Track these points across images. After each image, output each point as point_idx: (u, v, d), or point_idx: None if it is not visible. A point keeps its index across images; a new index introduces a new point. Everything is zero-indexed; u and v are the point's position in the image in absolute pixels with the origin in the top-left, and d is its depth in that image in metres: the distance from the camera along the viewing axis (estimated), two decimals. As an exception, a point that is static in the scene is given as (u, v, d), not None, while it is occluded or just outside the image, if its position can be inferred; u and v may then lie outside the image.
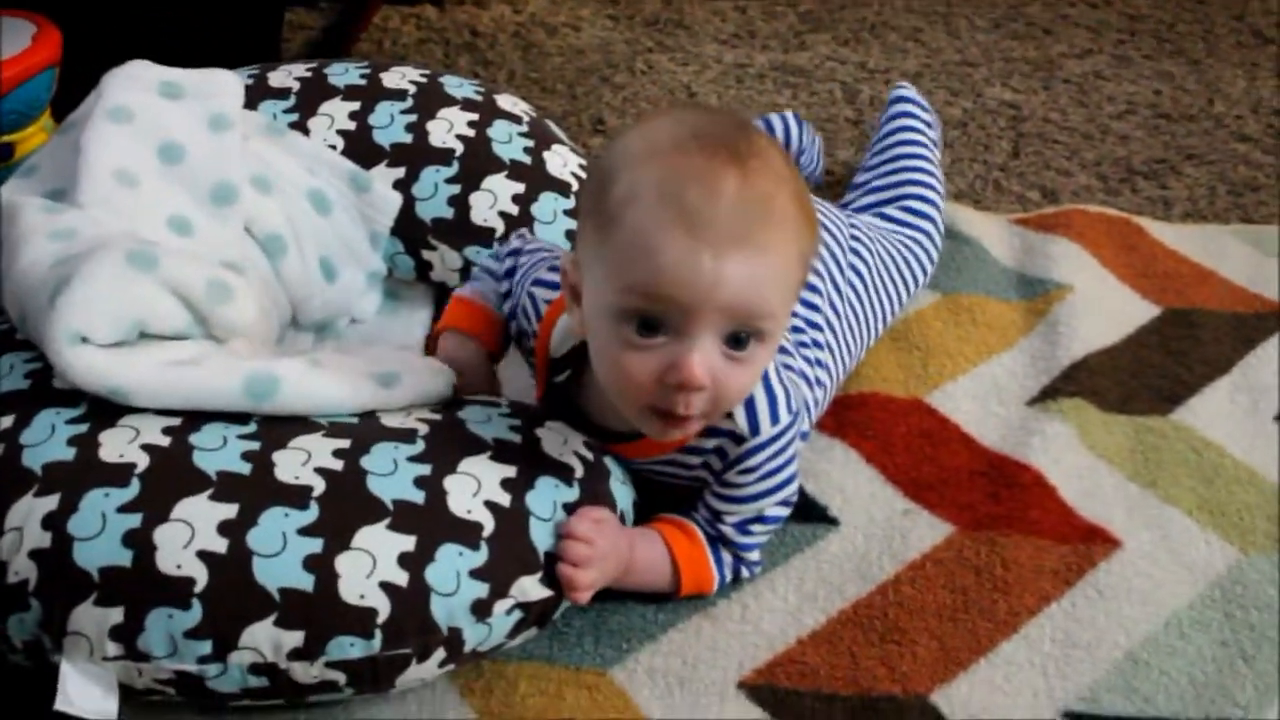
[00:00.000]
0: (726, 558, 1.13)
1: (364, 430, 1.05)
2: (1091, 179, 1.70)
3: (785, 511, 1.13)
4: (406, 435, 1.05)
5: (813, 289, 1.24)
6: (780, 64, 1.91)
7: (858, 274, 1.31)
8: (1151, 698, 1.07)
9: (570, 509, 1.05)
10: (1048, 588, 1.15)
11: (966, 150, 1.74)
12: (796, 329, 1.22)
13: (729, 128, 0.98)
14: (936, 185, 1.47)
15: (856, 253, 1.32)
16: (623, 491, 1.11)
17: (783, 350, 1.17)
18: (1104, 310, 1.45)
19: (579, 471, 1.08)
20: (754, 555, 1.14)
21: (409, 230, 1.34)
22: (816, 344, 1.23)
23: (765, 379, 1.07)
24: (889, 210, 1.43)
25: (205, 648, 0.94)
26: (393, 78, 1.42)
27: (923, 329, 1.41)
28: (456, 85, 1.43)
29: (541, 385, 1.15)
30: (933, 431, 1.30)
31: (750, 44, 1.97)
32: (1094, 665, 1.09)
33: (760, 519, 1.12)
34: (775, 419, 1.07)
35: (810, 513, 1.21)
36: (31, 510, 0.96)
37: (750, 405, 1.06)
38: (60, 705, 0.95)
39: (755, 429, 1.07)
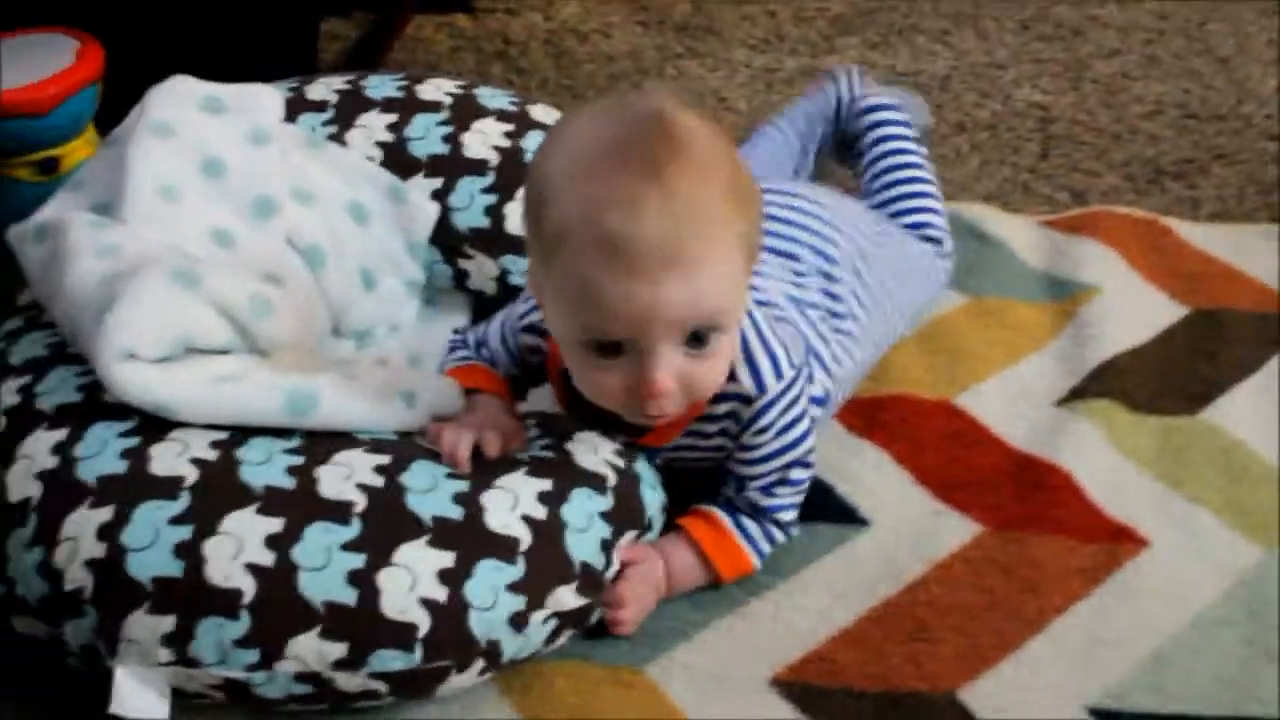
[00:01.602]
0: (755, 531, 1.16)
1: (403, 447, 1.09)
2: (1120, 180, 1.72)
3: (806, 474, 1.16)
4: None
5: (833, 278, 1.28)
6: (810, 68, 1.93)
7: (883, 265, 1.34)
8: (1177, 695, 1.09)
9: (605, 517, 1.08)
10: (1075, 587, 1.17)
11: (995, 153, 1.76)
12: (833, 313, 1.27)
13: (645, 129, 0.99)
14: (937, 206, 1.47)
15: (881, 245, 1.35)
16: (652, 496, 1.14)
17: (811, 323, 1.23)
18: (1132, 311, 1.46)
19: (611, 480, 1.11)
20: (787, 515, 1.17)
21: (446, 239, 1.36)
22: (839, 331, 1.27)
23: (763, 340, 1.11)
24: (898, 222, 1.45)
25: (253, 656, 0.98)
26: (429, 90, 1.45)
27: (951, 331, 1.43)
28: (491, 96, 1.46)
29: (561, 396, 1.19)
30: (962, 433, 1.32)
31: (780, 48, 1.99)
32: (1120, 663, 1.11)
33: (785, 481, 1.15)
34: (779, 375, 1.11)
35: (841, 514, 1.24)
36: (86, 521, 1.00)
37: (753, 365, 1.11)
38: (114, 709, 0.98)
39: (762, 387, 1.11)
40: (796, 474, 1.15)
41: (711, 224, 0.98)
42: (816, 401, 1.19)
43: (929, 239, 1.44)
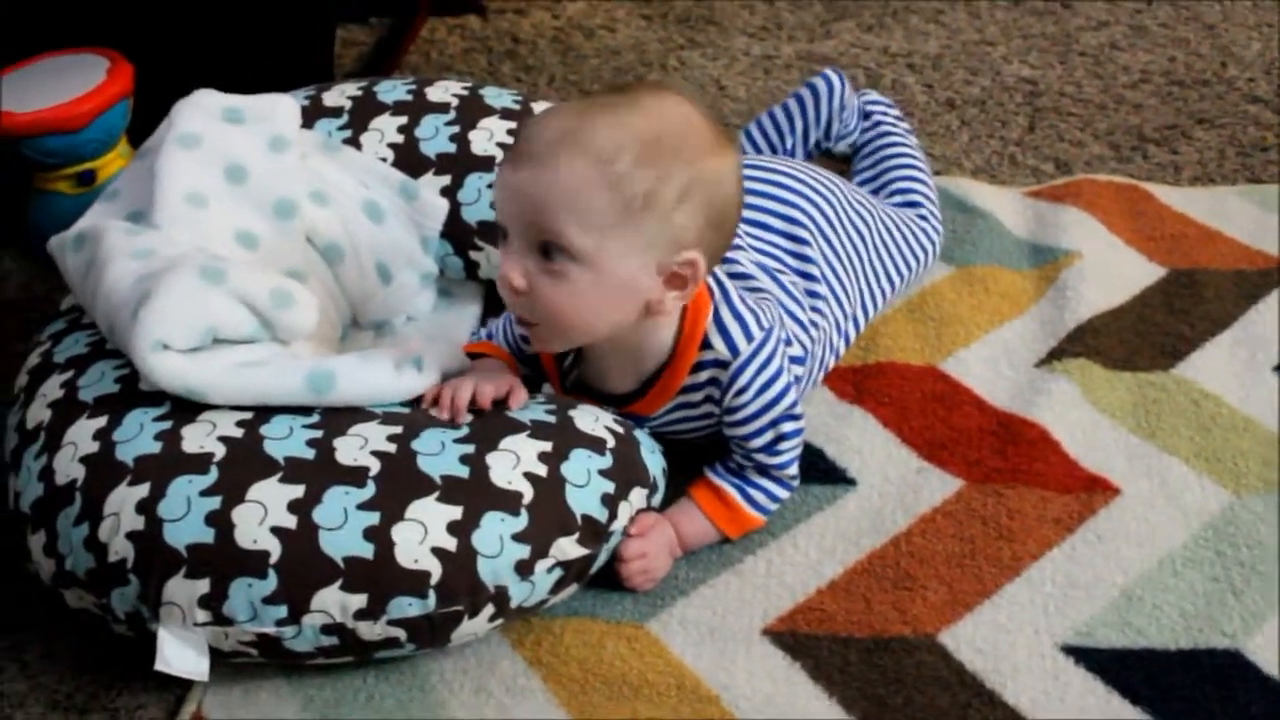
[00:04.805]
0: (761, 491, 1.24)
1: (413, 417, 1.18)
2: (1104, 148, 1.78)
3: (796, 425, 1.24)
4: (452, 422, 1.17)
5: (803, 241, 1.38)
6: (806, 53, 2.00)
7: (858, 232, 1.43)
8: (1144, 630, 1.16)
9: (605, 474, 1.17)
10: (1050, 534, 1.24)
11: (984, 128, 1.83)
12: (804, 274, 1.36)
13: (631, 86, 1.14)
14: (926, 180, 1.57)
15: (860, 214, 1.44)
16: (653, 460, 1.23)
17: (783, 288, 1.32)
18: (1111, 274, 1.53)
19: (610, 442, 1.19)
20: (792, 469, 1.25)
21: (456, 233, 1.45)
22: (812, 294, 1.35)
23: (731, 307, 1.20)
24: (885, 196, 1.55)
25: (281, 612, 1.07)
26: (436, 92, 1.53)
27: (938, 300, 1.51)
28: (496, 96, 1.54)
29: (554, 377, 1.28)
30: (946, 395, 1.40)
31: (777, 35, 2.06)
32: (1091, 603, 1.18)
33: (781, 436, 1.23)
34: (749, 336, 1.20)
35: (830, 475, 1.32)
36: (126, 498, 1.09)
37: (724, 330, 1.19)
38: (159, 666, 1.08)
39: (734, 349, 1.19)
40: (788, 427, 1.23)
41: (583, 150, 1.08)
42: (796, 360, 1.27)
43: (918, 212, 1.53)
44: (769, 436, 1.22)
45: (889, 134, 1.61)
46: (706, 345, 1.19)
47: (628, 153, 1.09)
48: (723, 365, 1.20)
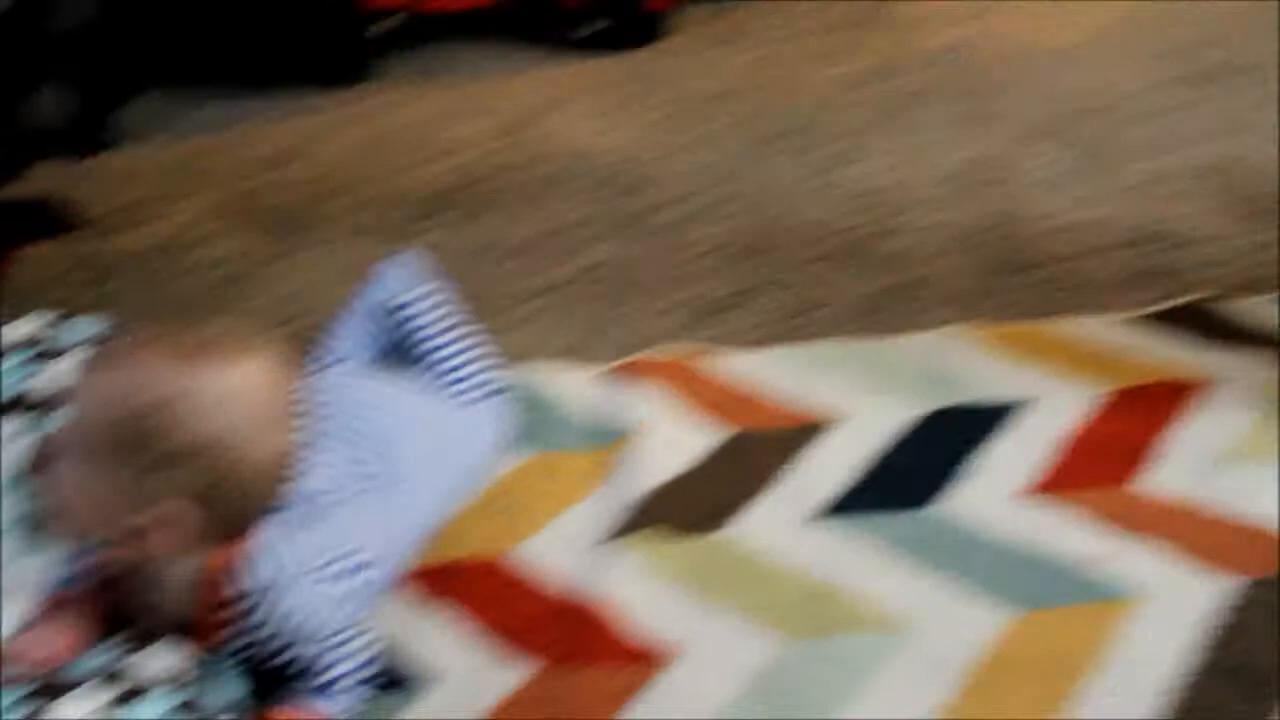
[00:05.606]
0: (337, 704, 1.27)
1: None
2: (683, 317, 1.91)
3: (351, 634, 1.27)
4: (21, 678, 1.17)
5: (369, 447, 1.43)
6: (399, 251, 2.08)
7: (427, 428, 1.51)
8: (696, 791, 1.24)
9: (181, 709, 1.18)
10: (608, 710, 1.31)
11: (565, 311, 1.94)
12: (365, 487, 1.40)
13: (224, 343, 1.19)
14: (481, 360, 1.63)
15: (426, 410, 1.53)
16: (232, 687, 1.26)
17: (350, 496, 1.37)
18: (674, 443, 1.64)
19: (185, 678, 1.21)
20: (350, 681, 1.28)
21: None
22: (383, 496, 1.40)
23: (274, 536, 1.24)
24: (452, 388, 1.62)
25: None
26: (14, 330, 1.54)
27: (510, 490, 1.59)
28: (83, 327, 1.55)
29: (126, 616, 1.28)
30: (518, 584, 1.46)
31: (374, 236, 2.14)
32: (646, 773, 1.26)
33: (341, 655, 1.26)
34: (275, 566, 1.23)
35: (403, 680, 1.35)
36: None
37: (258, 561, 1.23)
38: None
39: (266, 579, 1.23)
40: (334, 640, 1.26)
41: (114, 387, 1.15)
42: (361, 568, 1.31)
43: (484, 395, 1.61)
44: (328, 656, 1.26)
45: (430, 330, 1.65)
46: (241, 575, 1.23)
47: (140, 398, 1.14)
48: (260, 593, 1.23)
